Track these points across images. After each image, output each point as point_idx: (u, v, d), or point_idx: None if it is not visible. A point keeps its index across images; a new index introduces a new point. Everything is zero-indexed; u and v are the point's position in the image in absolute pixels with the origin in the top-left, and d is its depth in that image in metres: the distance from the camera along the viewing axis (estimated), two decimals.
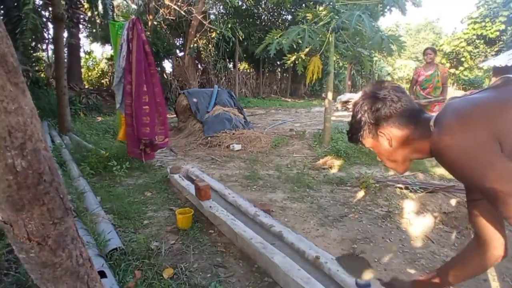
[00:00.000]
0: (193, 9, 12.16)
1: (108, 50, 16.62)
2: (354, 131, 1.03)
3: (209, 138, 5.83)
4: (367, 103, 0.98)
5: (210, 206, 2.56)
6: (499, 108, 0.78)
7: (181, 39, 15.58)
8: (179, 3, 12.14)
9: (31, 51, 9.80)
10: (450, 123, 0.81)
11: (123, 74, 3.79)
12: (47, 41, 10.66)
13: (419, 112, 0.95)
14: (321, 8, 5.80)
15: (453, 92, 15.68)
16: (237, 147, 5.40)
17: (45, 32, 9.97)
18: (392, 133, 0.95)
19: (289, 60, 6.01)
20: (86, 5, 10.94)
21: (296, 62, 6.03)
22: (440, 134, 0.82)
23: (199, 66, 15.80)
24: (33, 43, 9.51)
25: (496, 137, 0.75)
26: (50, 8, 7.90)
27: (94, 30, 12.17)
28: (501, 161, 0.74)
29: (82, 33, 13.39)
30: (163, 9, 12.66)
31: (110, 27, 4.16)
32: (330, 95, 5.50)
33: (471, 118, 0.78)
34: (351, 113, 1.06)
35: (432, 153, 0.89)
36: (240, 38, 14.26)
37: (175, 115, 7.76)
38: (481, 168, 0.76)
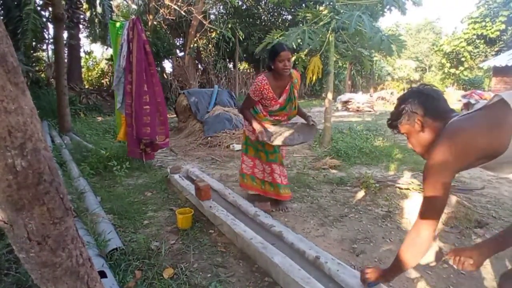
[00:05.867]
0: (193, 9, 12.16)
1: (108, 50, 16.62)
2: (395, 117, 1.25)
3: (209, 138, 5.83)
4: (413, 96, 1.21)
5: (210, 206, 2.56)
6: (480, 134, 1.03)
7: (181, 39, 15.59)
8: (179, 3, 12.13)
9: (31, 51, 9.81)
10: (442, 141, 1.09)
11: (123, 74, 3.79)
12: (47, 41, 10.66)
13: (450, 111, 1.18)
14: (321, 8, 5.80)
15: (453, 92, 15.66)
16: (237, 147, 5.39)
17: (45, 32, 9.97)
18: (427, 122, 1.17)
19: None
20: (85, 5, 10.94)
21: (296, 62, 6.03)
22: (435, 144, 1.12)
23: (199, 66, 15.81)
24: (33, 43, 9.51)
25: (464, 162, 1.07)
26: (50, 8, 7.90)
27: (93, 31, 12.17)
28: (443, 186, 1.09)
29: (82, 33, 13.40)
30: (163, 9, 12.66)
31: (110, 27, 4.16)
32: (330, 95, 5.50)
33: (455, 143, 1.05)
34: (394, 104, 1.32)
35: None
36: (240, 38, 14.25)
37: (175, 115, 7.76)
38: (434, 179, 1.12)
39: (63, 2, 8.52)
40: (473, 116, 1.09)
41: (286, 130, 2.61)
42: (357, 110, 12.97)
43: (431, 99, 1.18)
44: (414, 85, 1.34)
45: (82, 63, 14.22)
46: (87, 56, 15.82)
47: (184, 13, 12.18)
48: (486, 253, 1.16)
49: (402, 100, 1.24)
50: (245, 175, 2.92)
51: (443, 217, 2.61)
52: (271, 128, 2.63)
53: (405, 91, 1.31)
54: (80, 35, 12.91)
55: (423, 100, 1.17)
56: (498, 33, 17.49)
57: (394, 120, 1.27)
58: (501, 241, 1.17)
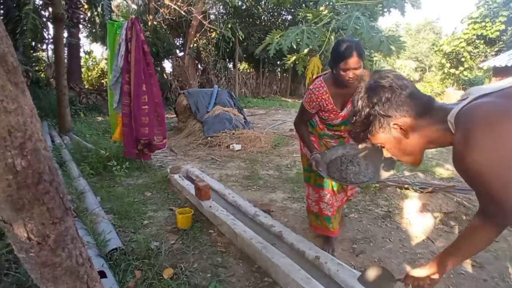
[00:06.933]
0: (193, 9, 12.15)
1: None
2: (361, 128, 0.95)
3: (209, 138, 5.82)
4: (374, 95, 0.90)
5: (210, 206, 2.56)
6: None
7: (181, 39, 15.57)
8: (179, 3, 12.12)
9: (31, 51, 9.78)
10: (478, 135, 0.74)
11: (120, 73, 3.79)
12: (47, 41, 10.64)
13: (430, 99, 0.90)
14: (321, 8, 5.80)
15: (453, 92, 15.66)
16: (237, 147, 5.40)
17: (45, 32, 9.95)
18: (407, 123, 0.88)
19: (289, 60, 6.01)
20: (85, 5, 10.93)
21: (296, 62, 6.02)
22: (466, 145, 0.75)
23: (199, 66, 15.79)
24: (33, 43, 9.49)
25: None
26: (50, 8, 7.89)
27: (94, 30, 12.15)
28: None
29: (82, 33, 13.38)
30: (163, 9, 12.65)
31: (108, 27, 4.15)
32: None
33: (500, 131, 0.72)
34: (352, 109, 0.98)
35: (453, 156, 0.81)
36: (240, 38, 14.24)
37: (175, 115, 7.76)
38: (504, 185, 0.73)
39: (63, 2, 8.51)
40: (505, 95, 0.77)
41: (350, 158, 1.82)
42: None
43: (400, 90, 0.88)
44: (368, 79, 0.96)
45: (82, 63, 14.19)
46: (87, 56, 15.78)
47: (184, 13, 12.17)
48: (442, 272, 0.97)
49: (363, 103, 0.92)
50: (311, 213, 2.23)
51: (443, 217, 2.61)
52: (335, 153, 1.88)
53: (358, 89, 0.97)
54: (80, 35, 12.89)
55: (390, 96, 0.88)
56: (498, 33, 17.48)
57: (361, 132, 0.96)
58: (455, 254, 0.95)
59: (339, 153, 1.85)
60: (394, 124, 0.89)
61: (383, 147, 0.98)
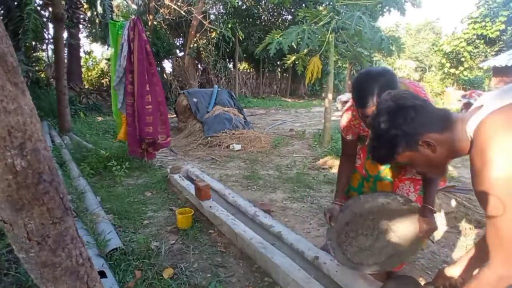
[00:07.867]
0: (193, 9, 12.15)
1: (109, 49, 16.50)
2: (388, 149, 0.95)
3: (209, 138, 5.83)
4: (398, 116, 0.91)
5: (210, 206, 2.56)
6: None
7: (181, 39, 15.58)
8: (179, 3, 12.13)
9: (31, 51, 9.79)
10: (492, 152, 0.76)
11: (123, 73, 3.79)
12: (47, 41, 10.65)
13: (447, 112, 0.93)
14: (321, 8, 5.80)
15: (453, 92, 15.64)
16: (237, 147, 5.40)
17: (45, 32, 9.96)
18: (434, 139, 0.89)
19: (289, 60, 6.01)
20: (85, 5, 10.94)
21: (296, 62, 6.03)
22: (480, 162, 0.79)
23: (199, 66, 15.79)
24: (33, 43, 9.50)
25: None
26: (50, 8, 7.89)
27: (94, 30, 12.16)
28: None
29: (82, 33, 13.38)
30: (163, 9, 12.66)
31: (110, 27, 4.15)
32: (330, 95, 5.50)
33: None
34: (373, 133, 0.98)
35: (470, 171, 0.85)
36: (240, 38, 14.25)
37: (175, 115, 7.76)
38: None
39: (63, 2, 8.51)
40: None
41: (378, 222, 1.42)
42: None
43: (421, 108, 0.90)
44: (383, 101, 0.98)
45: (82, 63, 14.20)
46: (87, 56, 15.80)
47: (184, 13, 12.18)
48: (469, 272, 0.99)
49: (387, 125, 0.93)
50: None
51: (443, 217, 2.61)
52: (371, 201, 1.46)
53: (376, 112, 0.98)
54: (80, 35, 12.90)
55: (414, 115, 0.90)
56: (498, 33, 17.47)
57: (388, 153, 0.96)
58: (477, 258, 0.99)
59: (378, 203, 1.42)
60: (422, 141, 0.90)
61: (409, 165, 0.99)
